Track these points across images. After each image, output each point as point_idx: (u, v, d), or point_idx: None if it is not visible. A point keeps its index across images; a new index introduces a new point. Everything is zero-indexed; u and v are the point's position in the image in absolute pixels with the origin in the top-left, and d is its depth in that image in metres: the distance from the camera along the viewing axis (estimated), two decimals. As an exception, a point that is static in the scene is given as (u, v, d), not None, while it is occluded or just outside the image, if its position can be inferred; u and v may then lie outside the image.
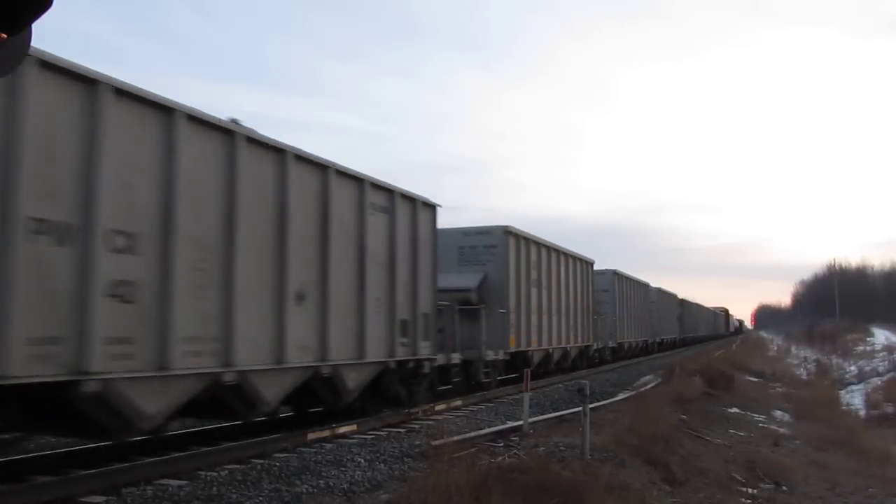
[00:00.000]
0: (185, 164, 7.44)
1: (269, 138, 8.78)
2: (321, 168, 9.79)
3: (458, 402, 14.17)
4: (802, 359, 49.40)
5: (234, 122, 8.32)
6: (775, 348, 63.05)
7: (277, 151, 8.90)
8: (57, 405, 6.64)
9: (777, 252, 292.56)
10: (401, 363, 11.76)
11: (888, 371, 34.81)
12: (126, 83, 6.93)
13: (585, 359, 24.47)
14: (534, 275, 18.68)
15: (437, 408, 13.26)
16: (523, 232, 18.12)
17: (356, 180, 10.63)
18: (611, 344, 27.85)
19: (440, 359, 13.40)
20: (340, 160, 10.34)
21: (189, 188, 7.52)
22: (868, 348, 51.69)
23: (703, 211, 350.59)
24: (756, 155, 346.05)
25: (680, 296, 48.27)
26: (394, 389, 11.74)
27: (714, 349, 43.89)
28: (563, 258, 21.21)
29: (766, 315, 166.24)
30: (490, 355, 15.86)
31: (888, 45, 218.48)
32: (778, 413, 19.12)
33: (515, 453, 8.92)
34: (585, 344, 23.76)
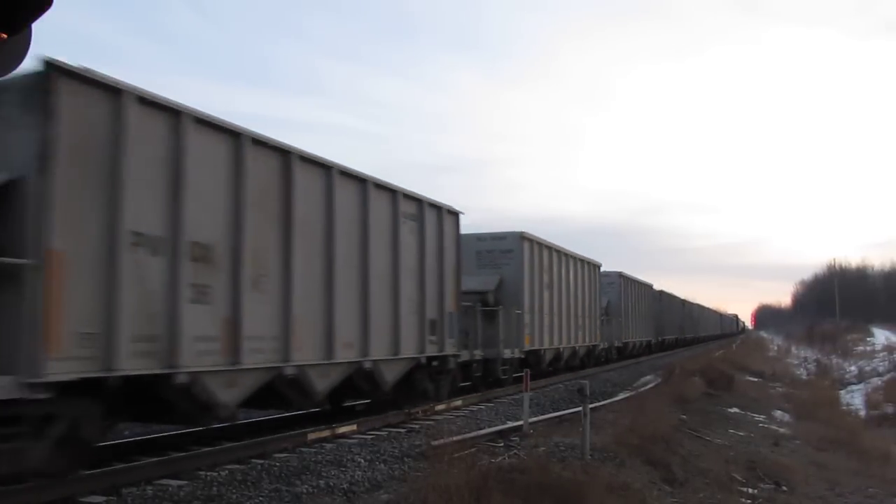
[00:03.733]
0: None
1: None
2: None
3: (458, 402, 14.17)
4: (802, 359, 49.39)
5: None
6: (775, 348, 63.09)
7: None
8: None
9: (777, 252, 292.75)
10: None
11: (888, 371, 34.79)
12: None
13: (592, 358, 25.25)
14: (546, 278, 19.46)
15: (438, 408, 13.27)
16: (537, 237, 18.93)
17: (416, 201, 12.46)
18: (616, 344, 28.89)
19: (464, 355, 14.66)
20: (340, 160, 10.41)
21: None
22: (868, 348, 51.67)
23: (702, 211, 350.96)
24: (755, 155, 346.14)
25: (684, 297, 52.75)
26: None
27: (715, 349, 44.45)
28: (571, 261, 21.90)
29: (766, 315, 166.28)
30: (507, 353, 16.80)
31: (886, 46, 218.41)
32: (778, 413, 19.11)
33: (515, 453, 8.92)
34: (593, 343, 24.55)
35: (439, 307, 13.11)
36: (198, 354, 7.58)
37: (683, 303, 50.56)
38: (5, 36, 2.39)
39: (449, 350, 13.46)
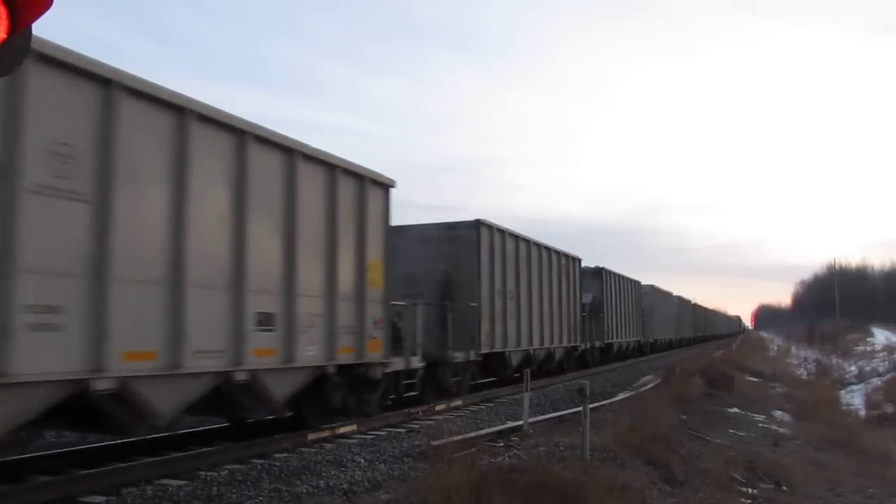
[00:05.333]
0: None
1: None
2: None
3: (459, 402, 14.18)
4: (802, 359, 49.35)
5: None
6: (775, 348, 63.09)
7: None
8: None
9: (777, 252, 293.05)
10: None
11: (888, 371, 34.75)
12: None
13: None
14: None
15: (437, 408, 13.26)
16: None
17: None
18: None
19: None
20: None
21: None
22: (868, 348, 51.58)
23: (702, 211, 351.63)
24: (755, 155, 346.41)
25: (705, 306, 70.30)
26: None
27: (715, 348, 44.70)
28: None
29: (766, 315, 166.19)
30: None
31: (886, 46, 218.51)
32: (778, 413, 19.11)
33: (515, 453, 8.92)
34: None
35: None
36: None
37: (705, 310, 72.30)
38: (5, 36, 2.39)
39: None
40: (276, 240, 8.93)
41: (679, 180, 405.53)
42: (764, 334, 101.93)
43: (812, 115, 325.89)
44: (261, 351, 8.53)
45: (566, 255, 22.12)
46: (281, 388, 8.99)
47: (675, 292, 50.57)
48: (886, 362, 38.89)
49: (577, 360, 23.56)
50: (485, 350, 15.66)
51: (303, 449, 9.20)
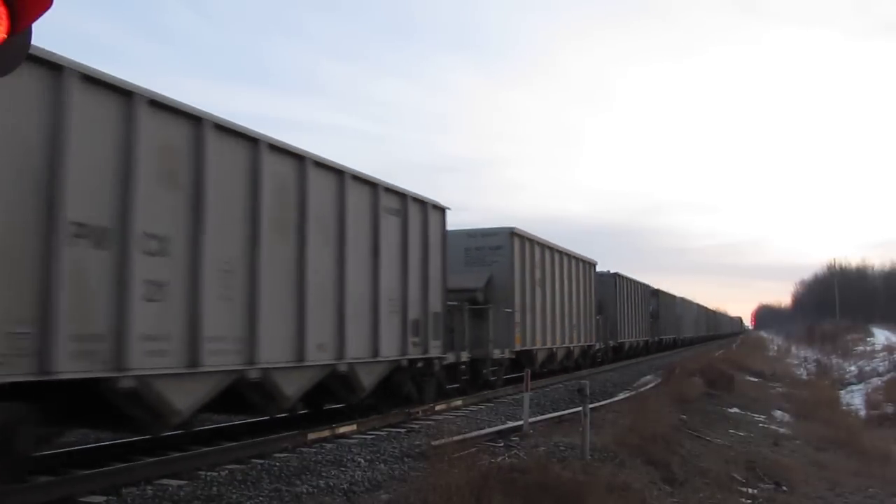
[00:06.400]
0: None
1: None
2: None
3: (459, 402, 14.18)
4: (802, 359, 49.35)
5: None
6: (775, 348, 63.12)
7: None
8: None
9: (777, 252, 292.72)
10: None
11: (888, 371, 34.73)
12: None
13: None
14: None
15: (438, 408, 13.27)
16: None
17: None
18: (611, 343, 29.54)
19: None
20: (336, 159, 10.56)
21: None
22: (868, 348, 51.54)
23: (702, 211, 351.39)
24: (755, 155, 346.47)
25: (702, 305, 74.23)
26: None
27: (715, 348, 44.82)
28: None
29: (766, 315, 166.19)
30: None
31: (886, 47, 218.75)
32: (778, 413, 19.11)
33: (516, 453, 8.92)
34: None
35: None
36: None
37: (715, 313, 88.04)
38: (5, 36, 2.39)
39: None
40: (563, 296, 21.24)
41: (679, 180, 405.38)
42: (764, 334, 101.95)
43: (812, 115, 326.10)
44: (559, 339, 20.78)
45: (644, 285, 37.00)
46: (562, 354, 21.52)
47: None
48: (886, 362, 38.86)
49: (645, 350, 37.06)
50: (620, 340, 30.03)
51: (303, 449, 9.21)
